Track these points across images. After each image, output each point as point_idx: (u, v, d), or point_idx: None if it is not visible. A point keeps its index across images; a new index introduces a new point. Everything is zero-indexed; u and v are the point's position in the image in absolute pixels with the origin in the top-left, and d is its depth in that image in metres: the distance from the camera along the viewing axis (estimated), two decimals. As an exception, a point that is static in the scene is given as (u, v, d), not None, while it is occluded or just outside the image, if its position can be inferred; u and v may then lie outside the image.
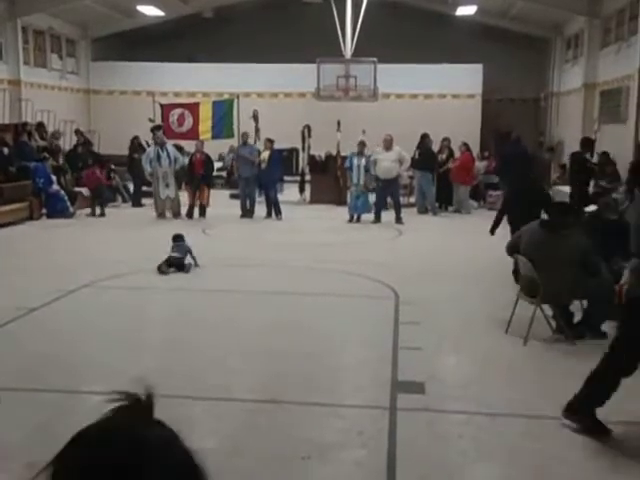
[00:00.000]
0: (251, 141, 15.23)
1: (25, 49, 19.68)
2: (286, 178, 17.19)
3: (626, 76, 16.13)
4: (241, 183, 14.56)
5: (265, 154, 14.33)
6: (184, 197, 14.50)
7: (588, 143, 12.99)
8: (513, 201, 8.68)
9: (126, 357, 5.72)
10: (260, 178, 14.21)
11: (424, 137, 15.65)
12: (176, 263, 8.84)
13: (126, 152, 17.09)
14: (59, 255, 10.13)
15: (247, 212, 14.36)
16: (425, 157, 15.19)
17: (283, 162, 16.53)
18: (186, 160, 14.47)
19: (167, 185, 13.98)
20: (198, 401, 4.85)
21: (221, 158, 20.92)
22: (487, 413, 4.64)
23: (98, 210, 14.45)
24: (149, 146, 15.19)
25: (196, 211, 14.22)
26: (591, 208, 8.98)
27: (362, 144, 14.03)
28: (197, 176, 14.25)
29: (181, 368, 5.46)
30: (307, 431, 4.34)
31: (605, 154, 14.55)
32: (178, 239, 9.28)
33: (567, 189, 13.56)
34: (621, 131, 16.11)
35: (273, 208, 14.27)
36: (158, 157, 13.95)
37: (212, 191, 15.19)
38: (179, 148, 15.11)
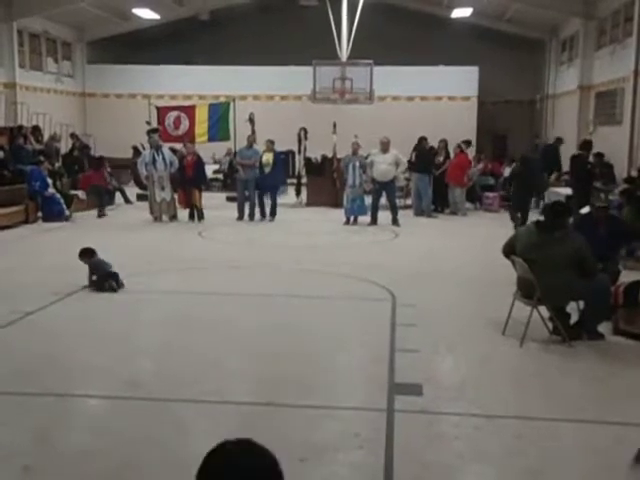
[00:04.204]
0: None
1: (20, 52, 19.69)
2: (283, 180, 17.16)
3: (621, 78, 16.17)
4: (240, 186, 14.41)
5: (269, 156, 14.13)
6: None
7: (587, 145, 13.05)
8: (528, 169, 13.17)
9: (122, 360, 5.71)
10: (262, 181, 14.06)
11: (421, 140, 15.68)
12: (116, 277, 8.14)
13: (122, 155, 17.04)
14: (55, 258, 10.10)
15: (245, 215, 14.27)
16: (422, 159, 15.22)
17: (283, 165, 16.46)
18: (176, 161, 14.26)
19: (162, 188, 13.95)
20: (194, 404, 4.84)
21: (217, 161, 20.90)
22: (483, 415, 4.63)
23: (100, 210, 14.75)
24: (144, 149, 15.16)
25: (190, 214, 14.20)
26: (586, 210, 9.01)
27: (356, 144, 14.05)
28: (188, 179, 14.19)
29: (177, 371, 5.45)
30: (303, 433, 4.33)
31: (600, 155, 14.60)
32: (93, 254, 8.29)
33: (564, 191, 13.61)
34: (616, 133, 16.15)
35: (270, 210, 14.21)
36: (153, 160, 13.91)
37: (209, 194, 15.12)
38: (173, 151, 15.01)
